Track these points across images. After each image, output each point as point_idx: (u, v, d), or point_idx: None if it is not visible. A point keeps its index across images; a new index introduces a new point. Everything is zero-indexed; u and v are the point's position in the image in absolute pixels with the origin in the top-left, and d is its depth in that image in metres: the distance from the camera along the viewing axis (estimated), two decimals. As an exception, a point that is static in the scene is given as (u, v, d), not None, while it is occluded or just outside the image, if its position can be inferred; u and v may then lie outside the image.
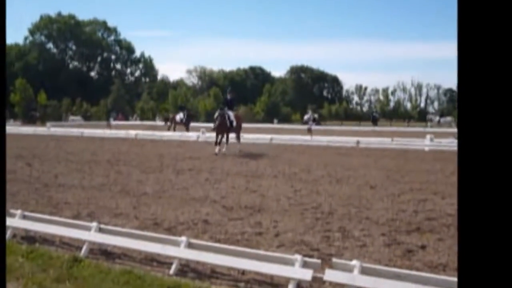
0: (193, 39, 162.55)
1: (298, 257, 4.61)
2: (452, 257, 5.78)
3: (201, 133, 30.04)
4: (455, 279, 4.48)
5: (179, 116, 35.67)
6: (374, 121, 64.68)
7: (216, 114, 18.91)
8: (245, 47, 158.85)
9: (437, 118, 66.40)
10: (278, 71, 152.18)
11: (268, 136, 26.78)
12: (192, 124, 36.23)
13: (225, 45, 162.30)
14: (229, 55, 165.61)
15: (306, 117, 75.41)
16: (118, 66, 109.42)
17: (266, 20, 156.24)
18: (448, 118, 66.16)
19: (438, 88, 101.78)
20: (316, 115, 75.12)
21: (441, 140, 24.17)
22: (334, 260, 4.63)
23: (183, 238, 5.20)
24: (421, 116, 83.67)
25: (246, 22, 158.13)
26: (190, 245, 5.15)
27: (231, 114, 18.95)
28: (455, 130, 48.24)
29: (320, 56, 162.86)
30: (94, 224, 5.99)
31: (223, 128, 18.65)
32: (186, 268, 5.39)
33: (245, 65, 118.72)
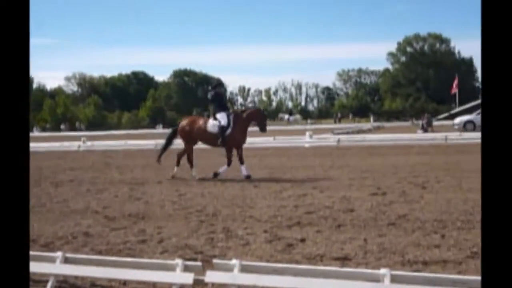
0: (71, 46, 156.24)
1: (179, 261, 4.59)
2: (329, 248, 6.08)
3: (82, 142, 28.95)
4: (331, 268, 4.73)
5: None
6: None
7: (220, 119, 12.86)
8: (126, 52, 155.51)
9: (287, 116, 73.24)
10: (162, 76, 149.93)
11: (153, 142, 26.21)
12: (73, 133, 34.66)
13: (105, 52, 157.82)
14: (109, 61, 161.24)
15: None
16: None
17: (147, 24, 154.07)
18: (297, 116, 73.19)
19: (316, 86, 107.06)
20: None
21: (320, 136, 25.38)
22: (215, 261, 4.68)
23: (59, 254, 4.96)
24: (302, 114, 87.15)
25: (125, 27, 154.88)
26: (66, 260, 4.92)
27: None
28: (333, 126, 50.92)
29: (202, 60, 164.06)
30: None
31: (240, 140, 12.98)
32: (64, 285, 5.16)
33: (127, 70, 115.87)
